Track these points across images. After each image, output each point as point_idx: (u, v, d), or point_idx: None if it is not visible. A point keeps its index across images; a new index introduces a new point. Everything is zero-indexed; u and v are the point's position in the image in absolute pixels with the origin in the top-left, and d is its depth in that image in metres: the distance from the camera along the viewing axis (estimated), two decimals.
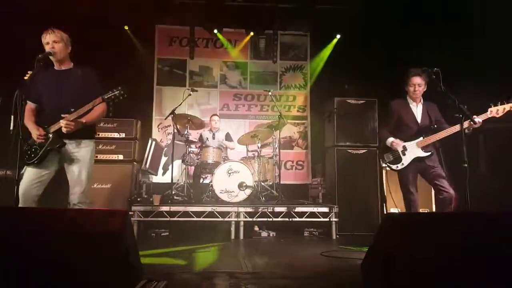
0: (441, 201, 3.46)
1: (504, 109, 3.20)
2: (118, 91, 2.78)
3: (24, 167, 2.78)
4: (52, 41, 2.85)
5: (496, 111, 3.22)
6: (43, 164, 2.81)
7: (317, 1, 6.26)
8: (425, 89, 3.58)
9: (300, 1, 6.29)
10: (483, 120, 3.22)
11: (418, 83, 3.53)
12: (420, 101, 3.64)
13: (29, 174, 2.77)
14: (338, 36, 6.84)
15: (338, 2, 6.08)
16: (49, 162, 2.83)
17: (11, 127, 2.42)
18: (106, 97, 2.79)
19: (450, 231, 1.90)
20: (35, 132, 2.78)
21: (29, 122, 2.84)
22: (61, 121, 2.74)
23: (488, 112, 3.24)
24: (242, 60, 7.09)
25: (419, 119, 3.61)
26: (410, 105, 3.65)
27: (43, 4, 5.20)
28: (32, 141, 2.81)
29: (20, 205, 2.59)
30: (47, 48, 2.85)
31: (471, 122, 3.17)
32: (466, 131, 3.21)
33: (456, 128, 3.24)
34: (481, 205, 3.50)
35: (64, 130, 2.75)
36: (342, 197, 5.05)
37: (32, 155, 2.77)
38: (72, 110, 2.78)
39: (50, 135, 2.80)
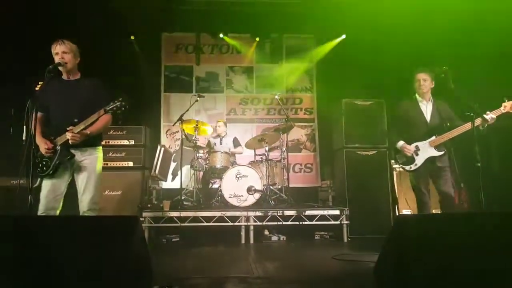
0: (441, 205, 3.46)
1: None
2: (119, 102, 2.82)
3: (38, 180, 2.82)
4: (62, 52, 2.89)
5: (511, 106, 3.10)
6: (58, 176, 2.85)
7: (321, 3, 6.25)
8: (433, 85, 3.53)
9: (305, 3, 6.28)
10: (497, 116, 3.12)
11: (423, 78, 3.50)
12: (429, 99, 3.58)
13: (48, 189, 2.81)
14: (344, 36, 6.80)
15: (342, 3, 6.06)
16: (62, 173, 2.88)
17: (24, 137, 2.45)
18: (108, 108, 2.83)
19: (463, 232, 1.87)
20: (43, 146, 2.81)
21: (36, 134, 2.83)
22: (66, 133, 2.79)
23: (502, 108, 3.12)
24: (248, 64, 7.11)
25: (428, 117, 3.54)
26: (419, 104, 3.59)
27: (52, 15, 5.30)
28: (40, 153, 2.83)
29: None
30: (57, 59, 2.89)
31: (484, 119, 3.09)
32: (480, 128, 3.13)
33: (469, 125, 3.14)
34: (495, 205, 3.43)
35: (70, 142, 2.80)
36: (353, 199, 5.01)
37: (44, 168, 2.82)
38: (76, 120, 2.82)
39: (58, 147, 2.83)
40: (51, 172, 2.81)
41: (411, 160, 3.51)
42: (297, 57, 7.12)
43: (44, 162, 2.82)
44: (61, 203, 2.86)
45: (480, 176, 2.74)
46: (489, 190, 2.82)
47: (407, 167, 3.54)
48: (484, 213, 2.47)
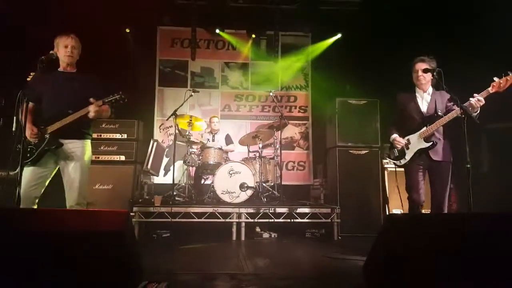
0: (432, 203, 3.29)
1: (507, 80, 2.89)
2: (119, 96, 2.90)
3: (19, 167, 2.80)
4: (71, 46, 2.97)
5: (499, 84, 2.92)
6: (39, 165, 2.83)
7: (318, 2, 6.25)
8: (433, 76, 3.27)
9: (302, 2, 6.28)
10: (485, 99, 2.96)
11: (422, 69, 3.27)
12: (427, 90, 3.39)
13: (27, 176, 2.77)
14: (339, 35, 6.82)
15: (340, 2, 6.07)
16: (45, 163, 2.86)
17: (14, 128, 2.43)
18: (106, 100, 2.88)
19: (452, 232, 1.89)
20: (29, 132, 2.80)
21: (26, 121, 2.81)
22: (89, 106, 2.83)
23: (490, 88, 2.96)
24: (244, 61, 7.09)
25: (424, 108, 3.35)
26: (416, 94, 3.41)
27: (45, 6, 5.22)
28: (28, 140, 2.81)
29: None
30: (63, 52, 2.95)
31: (470, 103, 2.95)
32: (473, 113, 2.98)
33: (457, 112, 3.00)
34: (483, 206, 3.44)
35: (91, 115, 2.84)
36: (344, 198, 5.04)
37: (28, 155, 2.80)
38: (70, 112, 2.83)
39: (47, 136, 2.83)
40: (33, 159, 2.80)
41: (401, 155, 3.39)
42: (292, 55, 7.13)
43: (29, 149, 2.81)
44: (40, 193, 2.84)
45: (470, 177, 2.73)
46: (478, 191, 2.83)
47: (398, 162, 3.42)
48: (473, 214, 2.49)
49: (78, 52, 3.05)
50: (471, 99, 2.98)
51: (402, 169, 3.48)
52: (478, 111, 3.02)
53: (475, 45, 4.68)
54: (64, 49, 2.95)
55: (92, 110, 2.85)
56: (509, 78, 2.91)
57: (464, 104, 2.96)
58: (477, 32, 4.62)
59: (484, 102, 2.98)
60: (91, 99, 2.86)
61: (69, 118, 2.83)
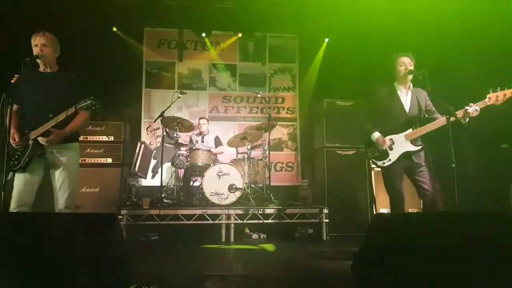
0: (424, 204, 3.25)
1: (505, 95, 2.89)
2: (90, 101, 2.77)
3: (10, 174, 2.75)
4: (41, 44, 2.84)
5: (496, 97, 2.89)
6: (30, 171, 2.79)
7: (305, 3, 6.29)
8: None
9: (289, 3, 6.32)
10: (481, 109, 2.95)
11: (408, 63, 3.20)
12: (409, 87, 3.28)
13: (19, 182, 2.75)
14: (327, 40, 6.89)
15: (325, 4, 6.11)
16: (36, 168, 2.82)
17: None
18: (78, 106, 2.79)
19: (438, 231, 1.93)
20: (11, 140, 2.76)
21: (10, 126, 2.78)
22: (39, 138, 2.76)
23: (487, 99, 2.92)
24: (231, 62, 7.10)
25: (407, 108, 3.23)
26: (398, 92, 3.27)
27: (31, 6, 5.14)
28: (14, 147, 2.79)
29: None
30: (35, 51, 2.84)
31: (466, 112, 2.94)
32: (462, 121, 2.97)
33: (445, 121, 2.96)
34: (468, 205, 3.49)
35: (45, 144, 2.77)
36: (332, 198, 5.09)
37: (16, 162, 2.77)
38: (51, 116, 2.77)
39: (31, 142, 2.78)
40: (22, 165, 2.76)
41: (384, 155, 3.20)
42: (280, 56, 7.17)
43: (16, 156, 2.77)
44: (33, 199, 2.80)
45: (455, 177, 2.75)
46: (463, 191, 2.86)
47: (380, 163, 3.22)
48: (458, 213, 2.54)
49: (53, 50, 2.92)
50: (468, 108, 2.95)
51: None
52: (467, 119, 3.01)
53: None
54: (35, 48, 2.84)
55: (43, 142, 2.78)
56: (507, 93, 2.89)
57: (460, 111, 2.95)
58: None
59: (479, 112, 2.96)
60: (42, 126, 2.77)
61: (47, 124, 2.76)
